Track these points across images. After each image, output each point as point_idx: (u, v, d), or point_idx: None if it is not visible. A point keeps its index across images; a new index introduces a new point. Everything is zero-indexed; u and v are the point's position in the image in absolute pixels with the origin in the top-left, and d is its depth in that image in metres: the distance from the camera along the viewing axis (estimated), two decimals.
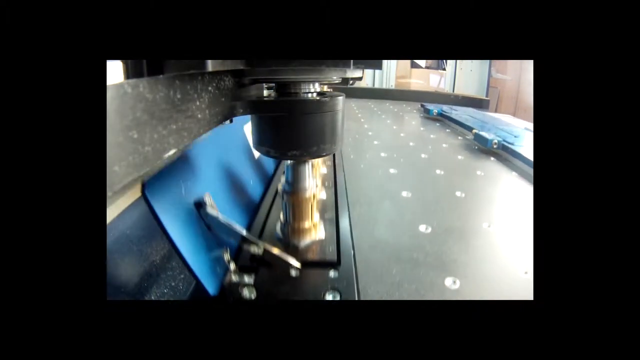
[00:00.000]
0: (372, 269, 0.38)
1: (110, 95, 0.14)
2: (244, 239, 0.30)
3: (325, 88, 0.55)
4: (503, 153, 0.90)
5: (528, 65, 2.68)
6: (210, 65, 0.20)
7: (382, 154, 0.88)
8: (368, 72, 2.95)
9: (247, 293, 0.31)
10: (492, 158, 0.89)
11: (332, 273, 0.33)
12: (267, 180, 0.56)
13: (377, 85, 3.05)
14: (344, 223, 0.42)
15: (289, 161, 0.36)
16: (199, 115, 0.22)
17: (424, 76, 3.61)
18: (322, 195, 0.50)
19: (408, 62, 3.53)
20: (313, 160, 0.51)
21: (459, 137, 1.13)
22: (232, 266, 0.32)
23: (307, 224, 0.37)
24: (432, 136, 1.13)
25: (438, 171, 0.76)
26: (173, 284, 0.33)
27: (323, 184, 0.54)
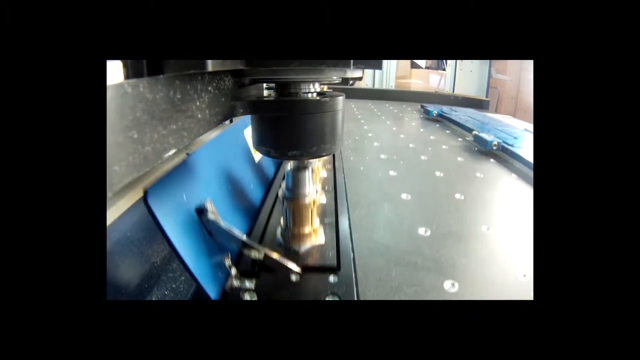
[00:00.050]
0: (372, 272, 0.39)
1: (110, 95, 0.14)
2: (244, 244, 0.30)
3: (326, 88, 0.55)
4: (503, 155, 0.90)
5: (528, 65, 2.68)
6: (210, 65, 0.20)
7: (382, 156, 0.88)
8: (368, 73, 2.95)
9: (248, 297, 0.31)
10: (491, 160, 0.89)
11: (332, 278, 0.33)
12: (268, 184, 0.56)
13: (377, 86, 3.05)
14: (344, 227, 0.42)
15: (289, 168, 0.36)
16: (199, 115, 0.22)
17: (424, 76, 3.61)
18: (322, 199, 0.50)
19: (408, 62, 3.53)
20: (313, 165, 0.51)
21: (459, 139, 1.12)
22: (234, 271, 0.32)
23: (307, 229, 0.37)
24: (431, 137, 1.13)
25: (438, 173, 0.76)
26: (174, 285, 0.33)
27: (323, 187, 0.54)
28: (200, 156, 0.36)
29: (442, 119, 1.42)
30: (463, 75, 2.57)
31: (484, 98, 2.11)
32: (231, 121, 0.72)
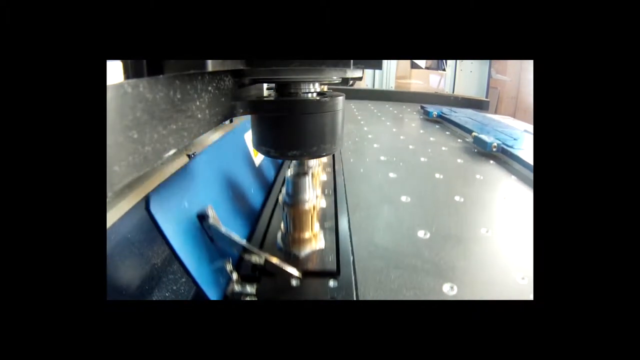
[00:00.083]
0: (371, 275, 0.39)
1: (110, 95, 0.14)
2: (245, 250, 0.30)
3: (326, 88, 0.55)
4: (502, 156, 0.90)
5: (528, 66, 2.69)
6: (210, 65, 0.20)
7: (382, 158, 0.88)
8: (368, 73, 2.95)
9: None
10: (491, 161, 0.89)
11: (331, 282, 0.34)
12: (268, 188, 0.56)
13: (377, 86, 3.05)
14: (344, 231, 0.43)
15: (289, 174, 0.36)
16: (199, 115, 0.22)
17: (423, 77, 3.61)
18: (322, 203, 0.50)
19: (408, 62, 3.54)
20: (313, 169, 0.52)
21: (459, 140, 1.12)
22: (235, 276, 0.33)
23: (307, 234, 0.38)
24: (431, 139, 1.13)
25: (437, 175, 0.76)
26: (175, 287, 0.33)
27: (323, 191, 0.54)
28: (201, 161, 0.37)
29: (442, 120, 1.42)
30: (463, 76, 2.57)
31: (484, 99, 2.11)
32: (231, 121, 0.72)
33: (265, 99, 0.30)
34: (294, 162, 0.52)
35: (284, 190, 0.37)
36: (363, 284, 0.37)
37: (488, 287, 0.38)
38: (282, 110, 0.29)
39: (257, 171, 0.55)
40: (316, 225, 0.39)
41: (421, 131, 1.27)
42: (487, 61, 2.46)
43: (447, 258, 0.43)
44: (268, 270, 0.31)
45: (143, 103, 0.16)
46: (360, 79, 0.38)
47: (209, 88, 0.24)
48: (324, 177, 0.61)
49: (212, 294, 0.29)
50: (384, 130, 1.26)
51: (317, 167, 0.54)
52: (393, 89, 3.07)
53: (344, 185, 0.61)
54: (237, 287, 0.32)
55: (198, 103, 0.22)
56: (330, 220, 0.45)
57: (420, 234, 0.49)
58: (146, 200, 0.25)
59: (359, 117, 1.49)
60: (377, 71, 2.99)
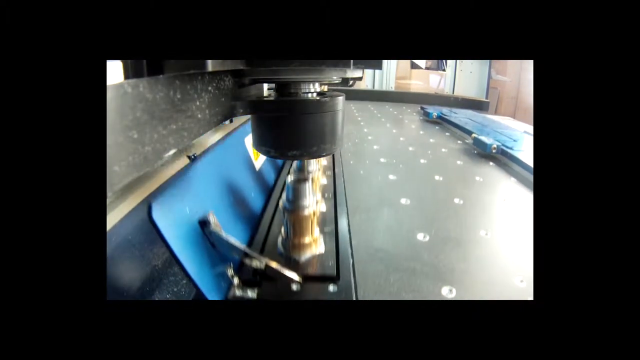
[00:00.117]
0: (371, 278, 0.39)
1: (110, 95, 0.14)
2: (246, 255, 0.30)
3: (326, 89, 0.55)
4: (502, 158, 0.90)
5: (528, 66, 2.69)
6: (210, 65, 0.20)
7: (382, 160, 0.88)
8: (368, 73, 2.95)
9: None
10: (491, 163, 0.89)
11: (331, 287, 0.34)
12: (268, 191, 0.56)
13: (377, 86, 3.05)
14: (344, 235, 0.43)
15: (289, 180, 0.37)
16: (199, 115, 0.22)
17: (424, 77, 3.61)
18: (322, 207, 0.50)
19: (408, 63, 3.53)
20: (313, 174, 0.52)
21: (459, 141, 1.12)
22: (236, 280, 0.33)
23: (307, 239, 0.38)
24: (431, 140, 1.13)
25: (437, 177, 0.76)
26: (175, 289, 0.33)
27: (323, 195, 0.54)
28: (202, 166, 0.37)
29: (442, 121, 1.42)
30: (463, 76, 2.58)
31: (484, 99, 2.11)
32: (231, 121, 0.72)
33: (265, 99, 0.30)
34: (294, 167, 0.53)
35: (284, 195, 0.37)
36: (362, 287, 0.37)
37: (486, 289, 0.39)
38: (282, 110, 0.29)
39: (258, 175, 0.55)
40: (316, 230, 0.39)
41: (421, 132, 1.26)
42: (487, 62, 2.46)
43: (446, 261, 0.44)
44: (269, 274, 0.31)
45: (143, 103, 0.16)
46: (360, 79, 0.38)
47: (209, 88, 0.24)
48: (324, 180, 0.61)
49: (214, 299, 0.30)
50: (384, 131, 1.26)
51: (317, 171, 0.54)
52: (393, 89, 3.07)
53: (344, 188, 0.61)
54: (238, 292, 0.32)
55: (198, 103, 0.22)
56: (330, 224, 0.46)
57: (420, 236, 0.49)
58: (148, 208, 0.25)
59: (359, 118, 1.49)
60: (377, 71, 2.99)
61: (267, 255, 0.37)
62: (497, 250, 0.47)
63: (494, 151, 0.91)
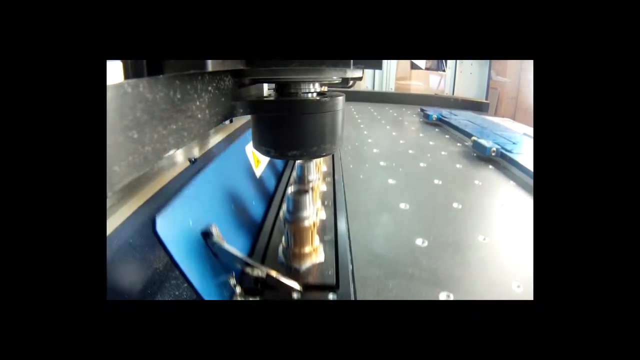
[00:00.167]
0: (370, 285, 0.40)
1: (110, 95, 0.14)
2: (248, 264, 0.31)
3: (325, 89, 0.55)
4: (501, 161, 0.90)
5: (528, 66, 2.69)
6: (210, 65, 0.20)
7: (382, 163, 0.88)
8: (368, 74, 2.96)
9: None
10: (490, 166, 0.89)
11: (331, 296, 0.35)
12: (269, 198, 0.57)
13: (377, 87, 3.06)
14: (343, 243, 0.43)
15: (290, 191, 0.37)
16: (199, 115, 0.22)
17: (423, 78, 3.62)
18: (322, 215, 0.50)
19: (408, 63, 3.54)
20: (313, 184, 0.52)
21: (458, 144, 1.12)
22: (238, 289, 0.33)
23: (307, 249, 0.39)
24: (431, 143, 1.13)
25: (436, 181, 0.76)
26: (177, 292, 0.33)
27: (323, 203, 0.54)
28: (204, 178, 0.38)
29: (442, 123, 1.42)
30: (463, 78, 2.57)
31: (484, 101, 2.10)
32: (231, 121, 0.72)
33: (265, 99, 0.30)
34: (294, 177, 0.53)
35: (284, 206, 0.38)
36: (361, 293, 0.38)
37: (483, 295, 0.39)
38: (282, 110, 0.29)
39: (258, 182, 0.55)
40: (316, 239, 0.40)
41: (421, 135, 1.26)
42: (487, 63, 2.46)
43: (444, 266, 0.44)
44: (270, 283, 0.32)
45: (143, 103, 0.16)
46: (360, 79, 0.38)
47: (209, 88, 0.24)
48: (323, 187, 0.61)
49: None
50: (383, 134, 1.25)
51: (317, 180, 0.54)
52: (393, 90, 3.07)
53: (344, 193, 0.61)
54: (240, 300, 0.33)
55: (198, 103, 0.22)
56: (330, 231, 0.46)
57: (419, 242, 0.50)
58: (152, 223, 0.25)
59: (359, 121, 1.49)
60: (377, 72, 2.99)
61: (268, 264, 0.38)
62: (495, 256, 0.47)
63: (493, 154, 0.91)
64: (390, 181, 0.75)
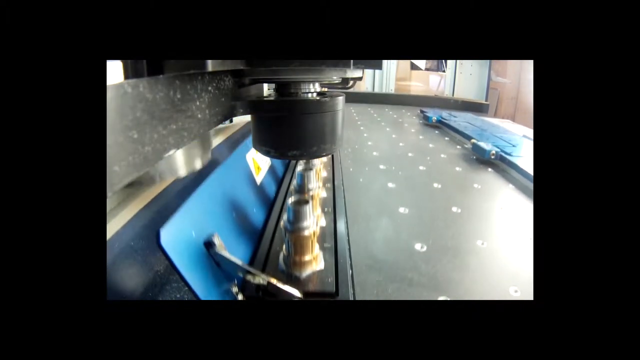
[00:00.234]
0: (369, 290, 0.40)
1: (110, 95, 0.14)
2: (249, 272, 0.31)
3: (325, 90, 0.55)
4: (500, 164, 0.90)
5: (528, 66, 2.69)
6: (210, 65, 0.20)
7: (381, 166, 0.88)
8: (368, 75, 2.96)
9: None
10: (489, 169, 0.89)
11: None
12: (269, 204, 0.57)
13: (377, 87, 3.06)
14: (343, 249, 0.44)
15: (290, 201, 0.38)
16: (199, 115, 0.22)
17: (423, 78, 3.62)
18: (322, 222, 0.51)
19: (408, 64, 3.54)
20: (314, 192, 0.52)
21: (458, 146, 1.12)
22: (240, 297, 0.34)
23: (307, 257, 0.39)
24: (430, 145, 1.13)
25: (436, 185, 0.76)
26: (178, 295, 0.33)
27: (323, 210, 0.54)
28: (207, 189, 0.38)
29: (441, 125, 1.42)
30: (463, 78, 2.58)
31: (484, 102, 2.11)
32: (231, 121, 0.72)
33: (265, 99, 0.30)
34: (294, 187, 0.53)
35: (285, 216, 0.39)
36: (361, 296, 0.39)
37: (481, 298, 0.40)
38: (282, 110, 0.29)
39: (259, 189, 0.56)
40: (316, 247, 0.40)
41: (420, 137, 1.26)
42: (487, 63, 2.46)
43: (443, 271, 0.44)
44: (271, 291, 0.32)
45: (143, 103, 0.16)
46: (360, 79, 0.38)
47: (209, 88, 0.24)
48: (323, 194, 0.61)
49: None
50: (383, 136, 1.25)
51: (317, 188, 0.55)
52: (393, 91, 3.07)
53: (344, 198, 0.61)
54: None
55: (198, 103, 0.22)
56: (330, 238, 0.46)
57: (417, 246, 0.50)
58: (157, 236, 0.26)
59: (359, 123, 1.48)
60: (377, 73, 2.99)
61: (269, 272, 0.38)
62: (493, 260, 0.48)
63: (492, 157, 0.91)
64: (390, 185, 0.75)
